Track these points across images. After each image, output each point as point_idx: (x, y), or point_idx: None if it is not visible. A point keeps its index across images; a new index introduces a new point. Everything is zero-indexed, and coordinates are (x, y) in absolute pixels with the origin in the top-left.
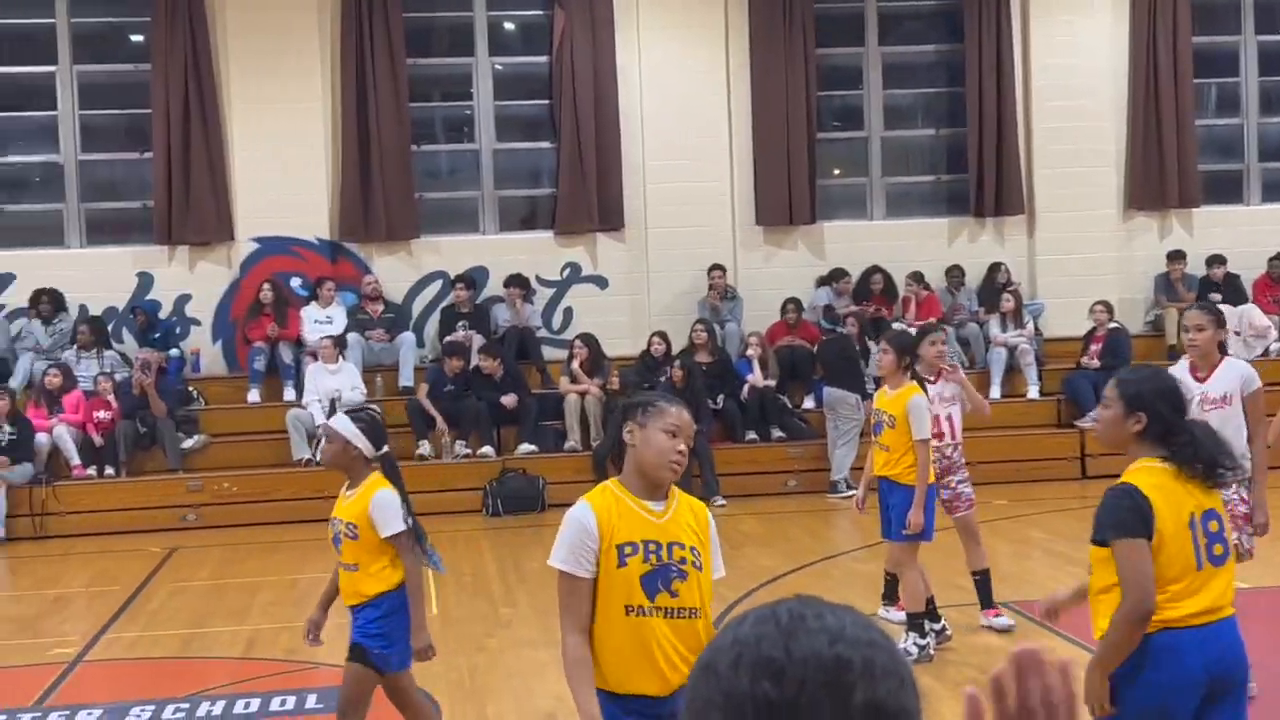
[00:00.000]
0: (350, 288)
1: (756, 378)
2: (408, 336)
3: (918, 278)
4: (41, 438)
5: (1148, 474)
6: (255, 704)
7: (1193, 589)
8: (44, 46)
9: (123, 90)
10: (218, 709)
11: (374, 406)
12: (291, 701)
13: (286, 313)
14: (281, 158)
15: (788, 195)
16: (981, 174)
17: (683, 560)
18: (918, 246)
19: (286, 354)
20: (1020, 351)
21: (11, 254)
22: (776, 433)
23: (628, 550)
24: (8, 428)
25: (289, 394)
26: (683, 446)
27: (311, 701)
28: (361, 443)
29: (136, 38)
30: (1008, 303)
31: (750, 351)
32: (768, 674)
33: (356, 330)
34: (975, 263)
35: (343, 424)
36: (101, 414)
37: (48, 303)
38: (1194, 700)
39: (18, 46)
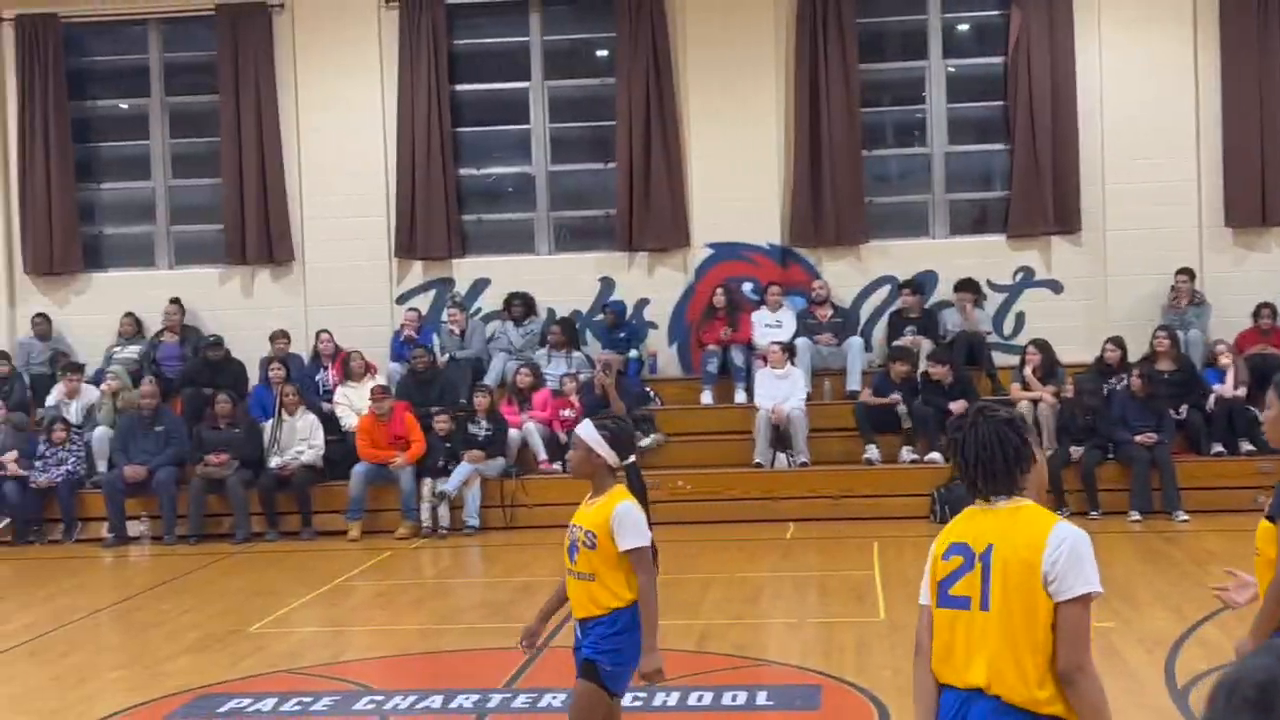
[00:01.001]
0: (799, 292)
1: (1225, 387)
2: (855, 341)
3: None
4: (513, 434)
5: None
6: (708, 697)
7: None
8: (519, 64)
9: (589, 104)
10: (672, 700)
11: (621, 416)
12: (742, 697)
13: (738, 317)
14: (736, 165)
15: (1261, 195)
16: None
17: None
18: None
19: (738, 357)
20: None
21: (488, 260)
22: (1245, 446)
23: None
24: (485, 424)
25: (740, 396)
26: None
27: (762, 698)
28: (605, 451)
29: (602, 53)
30: None
31: (1220, 360)
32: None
33: (805, 334)
34: None
35: (587, 432)
36: (566, 412)
37: (520, 305)
38: None
39: (497, 65)
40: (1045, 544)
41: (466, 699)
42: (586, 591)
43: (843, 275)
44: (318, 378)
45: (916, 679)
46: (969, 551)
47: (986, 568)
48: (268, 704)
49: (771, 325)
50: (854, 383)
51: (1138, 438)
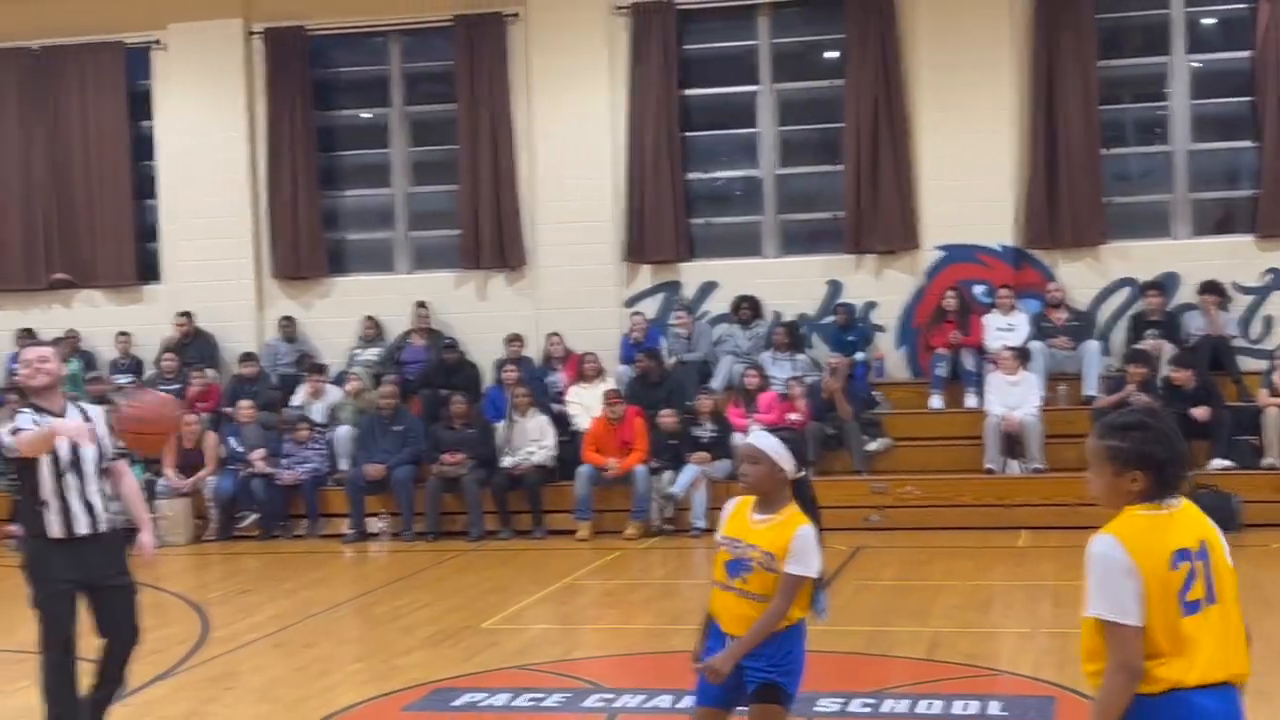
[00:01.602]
0: (1034, 294)
1: None
2: (1092, 344)
3: None
4: (738, 437)
5: None
6: (938, 706)
7: None
8: (748, 68)
9: (817, 106)
10: (902, 707)
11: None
12: (975, 706)
13: (969, 320)
14: (967, 165)
15: None
16: None
17: None
18: None
19: (969, 361)
20: None
21: (715, 263)
22: None
23: None
24: (710, 426)
25: (970, 401)
26: None
27: (995, 708)
28: (789, 463)
29: (831, 55)
30: None
31: None
32: None
33: (1039, 338)
34: None
35: (770, 443)
36: (792, 415)
37: (747, 308)
38: None
39: (726, 69)
40: (1211, 524)
41: (694, 699)
42: (755, 612)
43: (1079, 277)
44: (549, 379)
45: (1122, 702)
46: (1189, 554)
47: (1207, 564)
48: (500, 699)
49: (1004, 329)
50: (1090, 387)
51: None
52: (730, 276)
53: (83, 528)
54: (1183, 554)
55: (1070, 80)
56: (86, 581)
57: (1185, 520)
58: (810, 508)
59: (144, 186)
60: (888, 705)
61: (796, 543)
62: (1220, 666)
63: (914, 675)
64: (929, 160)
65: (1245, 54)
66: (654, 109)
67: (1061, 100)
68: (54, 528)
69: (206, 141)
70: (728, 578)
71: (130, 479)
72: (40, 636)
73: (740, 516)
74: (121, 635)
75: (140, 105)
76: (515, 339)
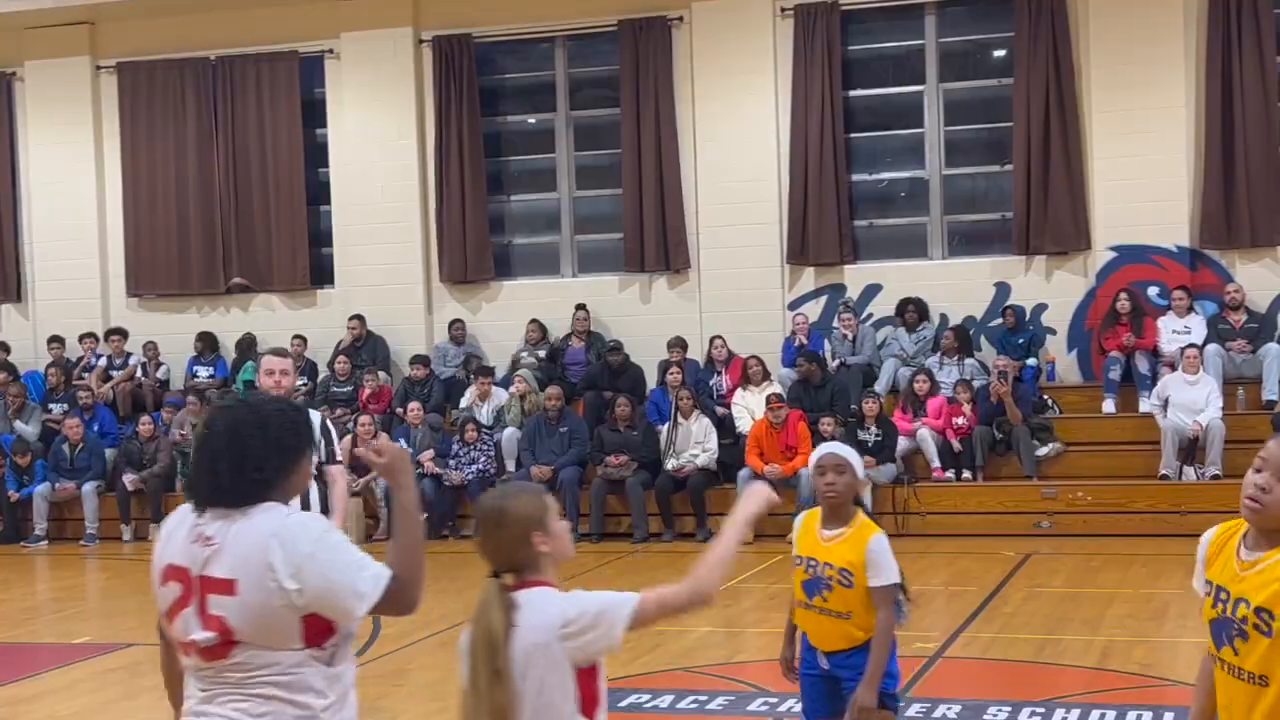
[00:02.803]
0: (1211, 296)
1: None
2: (1272, 348)
3: None
4: (904, 441)
5: None
6: (1110, 715)
7: None
8: (914, 67)
9: (985, 105)
10: (1073, 717)
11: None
12: (1148, 717)
13: (1143, 322)
14: (1141, 164)
15: None
16: None
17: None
18: None
19: (1143, 364)
20: None
21: (879, 265)
22: None
23: None
24: (874, 429)
25: (1145, 405)
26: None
27: (1169, 719)
28: (862, 473)
29: (999, 53)
30: None
31: None
32: None
33: (1216, 340)
34: None
35: (852, 453)
36: (960, 419)
37: (913, 311)
38: None
39: (891, 69)
40: None
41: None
42: (839, 629)
43: (1258, 278)
44: (712, 382)
45: None
46: None
47: None
48: (665, 700)
49: (1179, 331)
50: (1270, 392)
51: None
52: (895, 279)
53: None
54: None
55: (1248, 76)
56: None
57: None
58: (870, 514)
59: (317, 193)
60: (1058, 715)
61: (871, 554)
62: None
63: (1085, 685)
64: (1101, 159)
65: None
66: (818, 110)
67: (1238, 97)
68: None
69: (377, 148)
70: (806, 597)
71: (342, 487)
72: None
73: (809, 533)
74: None
75: (314, 113)
76: (678, 342)
